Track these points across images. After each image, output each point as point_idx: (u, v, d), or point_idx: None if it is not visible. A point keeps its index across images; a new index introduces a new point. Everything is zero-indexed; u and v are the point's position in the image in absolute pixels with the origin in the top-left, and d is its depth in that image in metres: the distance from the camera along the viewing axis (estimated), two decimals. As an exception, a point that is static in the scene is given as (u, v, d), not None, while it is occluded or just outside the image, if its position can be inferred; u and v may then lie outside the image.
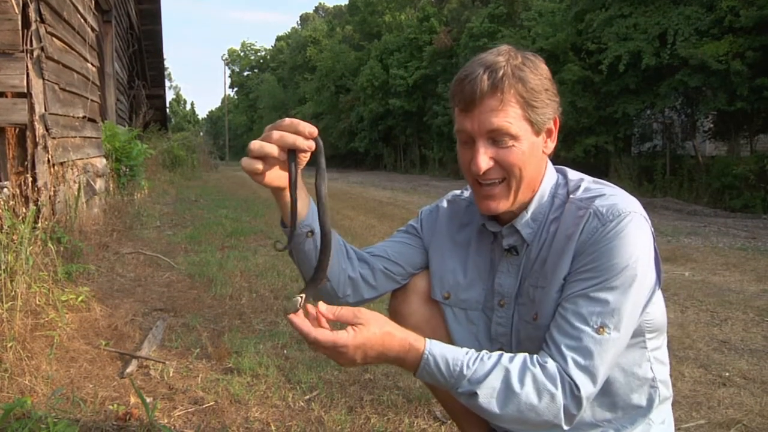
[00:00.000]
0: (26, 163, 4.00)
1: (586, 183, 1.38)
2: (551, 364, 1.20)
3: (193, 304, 3.75)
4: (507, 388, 1.19)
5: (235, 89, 74.59)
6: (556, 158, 1.41)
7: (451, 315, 1.51)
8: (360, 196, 13.71)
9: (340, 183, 19.04)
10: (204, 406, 2.36)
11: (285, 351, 2.99)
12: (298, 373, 2.67)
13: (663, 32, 12.34)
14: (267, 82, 56.49)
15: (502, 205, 1.34)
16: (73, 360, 2.69)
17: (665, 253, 6.03)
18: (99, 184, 6.18)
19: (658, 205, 11.20)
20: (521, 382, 1.18)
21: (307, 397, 2.46)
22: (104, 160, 6.81)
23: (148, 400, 2.32)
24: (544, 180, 1.39)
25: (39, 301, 2.90)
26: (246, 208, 9.27)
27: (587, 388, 1.19)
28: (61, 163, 4.65)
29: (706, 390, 2.64)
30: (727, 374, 2.83)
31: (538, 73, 1.30)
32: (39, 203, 3.97)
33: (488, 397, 1.19)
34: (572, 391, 1.19)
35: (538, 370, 1.19)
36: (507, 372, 1.19)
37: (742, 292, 4.43)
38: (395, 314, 1.59)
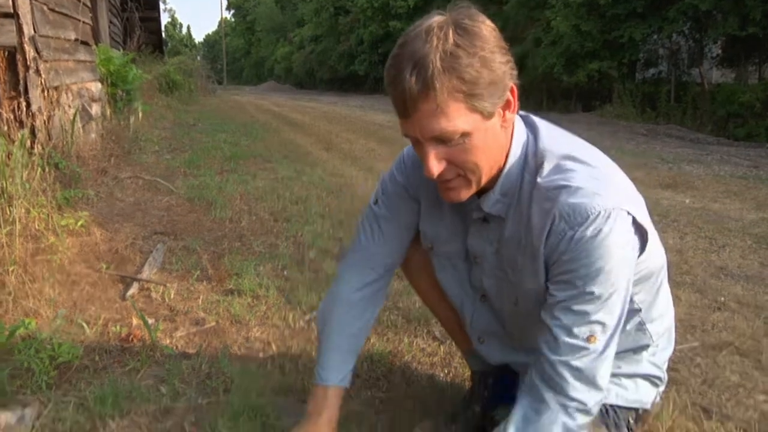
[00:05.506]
0: (19, 87, 3.91)
1: (555, 159, 1.21)
2: (545, 405, 1.19)
3: (193, 227, 3.76)
4: None
5: (232, 11, 72.66)
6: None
7: (437, 262, 1.54)
8: (360, 119, 13.55)
9: (340, 107, 18.78)
10: (205, 326, 2.39)
11: (285, 272, 3.01)
12: (298, 294, 2.70)
13: (675, -49, 11.87)
14: (265, 4, 55.10)
15: (464, 195, 1.24)
16: (74, 283, 2.71)
17: (666, 179, 6.02)
18: (95, 109, 6.08)
19: (661, 132, 11.08)
20: None
21: (307, 317, 2.49)
22: (99, 85, 6.68)
23: (150, 321, 2.35)
24: (512, 147, 1.24)
25: (38, 226, 2.90)
26: (245, 132, 9.18)
27: (595, 398, 1.19)
28: (55, 88, 4.54)
29: (702, 314, 2.68)
30: (722, 299, 2.86)
31: (476, 49, 1.07)
32: (34, 128, 3.91)
33: None
34: (579, 410, 1.18)
35: (537, 423, 1.19)
36: None
37: (741, 220, 4.43)
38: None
